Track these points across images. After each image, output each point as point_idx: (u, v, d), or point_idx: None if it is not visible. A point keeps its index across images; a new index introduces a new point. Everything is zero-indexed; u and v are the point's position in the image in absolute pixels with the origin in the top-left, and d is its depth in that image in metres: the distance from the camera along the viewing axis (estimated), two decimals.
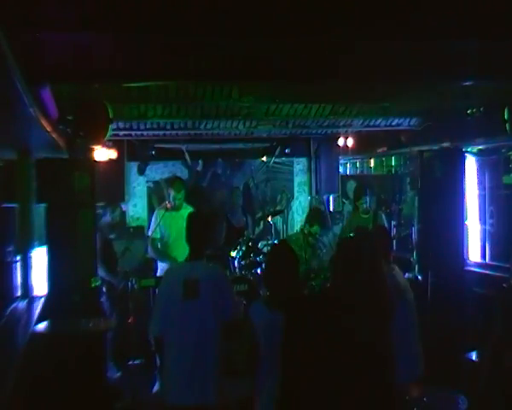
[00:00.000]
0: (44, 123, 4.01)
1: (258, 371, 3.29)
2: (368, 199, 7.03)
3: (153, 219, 6.70)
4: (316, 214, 6.35)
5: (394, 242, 7.73)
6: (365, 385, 2.30)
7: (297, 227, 8.50)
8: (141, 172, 8.29)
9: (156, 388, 5.87)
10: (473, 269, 6.57)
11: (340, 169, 9.35)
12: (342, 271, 2.46)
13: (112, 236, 6.77)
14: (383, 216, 7.32)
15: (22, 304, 5.00)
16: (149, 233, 6.63)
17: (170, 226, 6.40)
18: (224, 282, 3.81)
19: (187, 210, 6.44)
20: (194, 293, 3.54)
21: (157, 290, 3.75)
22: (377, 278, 2.38)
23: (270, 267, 3.58)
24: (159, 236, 6.53)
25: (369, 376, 2.31)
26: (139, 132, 7.31)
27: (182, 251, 6.32)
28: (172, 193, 6.46)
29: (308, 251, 5.76)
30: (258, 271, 6.89)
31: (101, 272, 5.91)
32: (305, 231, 6.00)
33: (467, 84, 4.69)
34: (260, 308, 3.40)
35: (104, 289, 6.00)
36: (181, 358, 3.52)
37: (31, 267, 5.25)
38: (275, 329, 2.81)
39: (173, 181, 6.86)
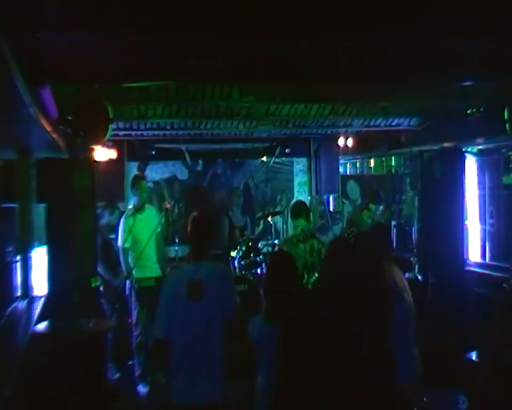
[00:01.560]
0: (44, 123, 4.01)
1: (255, 373, 3.30)
2: (381, 208, 6.97)
3: (120, 228, 6.23)
4: (298, 207, 5.63)
5: (394, 243, 7.75)
6: (365, 390, 2.28)
7: None
8: (141, 172, 8.29)
9: (140, 389, 5.88)
10: (473, 269, 6.57)
11: (340, 169, 9.34)
12: (331, 272, 2.43)
13: (112, 236, 6.77)
14: None
15: (22, 304, 5.00)
16: (119, 244, 6.21)
17: (141, 230, 6.14)
18: (228, 282, 3.80)
19: (150, 210, 6.42)
20: (198, 294, 3.53)
21: (161, 291, 3.73)
22: (375, 278, 2.35)
23: (271, 278, 3.57)
24: (130, 245, 6.15)
25: (370, 379, 2.29)
26: (139, 132, 7.32)
27: (153, 251, 6.29)
28: (140, 190, 6.27)
29: (300, 246, 5.62)
30: (259, 271, 6.89)
31: (101, 272, 5.92)
32: (294, 227, 5.71)
33: (467, 84, 4.69)
34: (259, 323, 3.40)
35: (104, 289, 6.00)
36: (185, 358, 3.51)
37: (31, 267, 5.25)
38: (273, 344, 2.80)
39: (137, 178, 6.56)
